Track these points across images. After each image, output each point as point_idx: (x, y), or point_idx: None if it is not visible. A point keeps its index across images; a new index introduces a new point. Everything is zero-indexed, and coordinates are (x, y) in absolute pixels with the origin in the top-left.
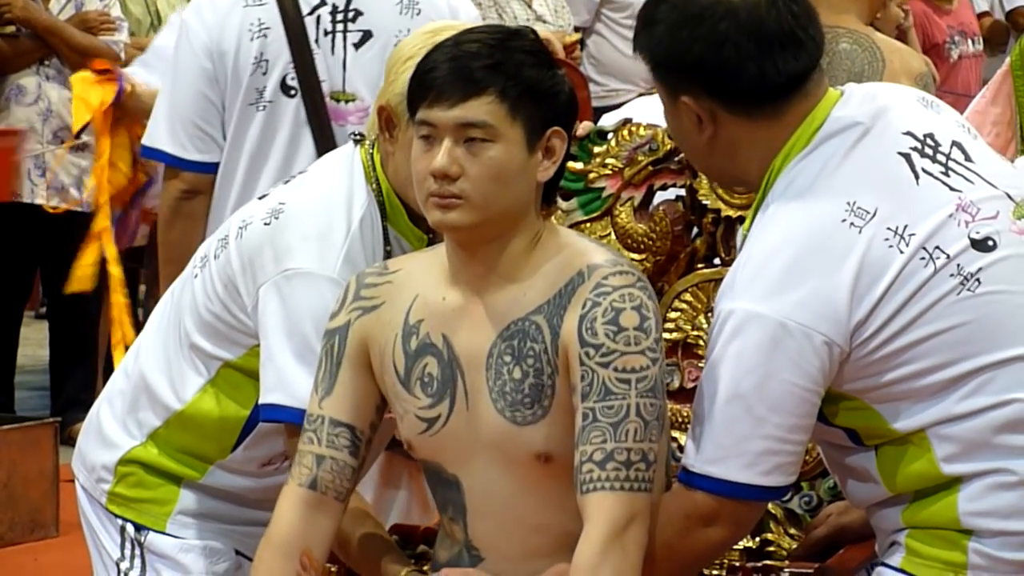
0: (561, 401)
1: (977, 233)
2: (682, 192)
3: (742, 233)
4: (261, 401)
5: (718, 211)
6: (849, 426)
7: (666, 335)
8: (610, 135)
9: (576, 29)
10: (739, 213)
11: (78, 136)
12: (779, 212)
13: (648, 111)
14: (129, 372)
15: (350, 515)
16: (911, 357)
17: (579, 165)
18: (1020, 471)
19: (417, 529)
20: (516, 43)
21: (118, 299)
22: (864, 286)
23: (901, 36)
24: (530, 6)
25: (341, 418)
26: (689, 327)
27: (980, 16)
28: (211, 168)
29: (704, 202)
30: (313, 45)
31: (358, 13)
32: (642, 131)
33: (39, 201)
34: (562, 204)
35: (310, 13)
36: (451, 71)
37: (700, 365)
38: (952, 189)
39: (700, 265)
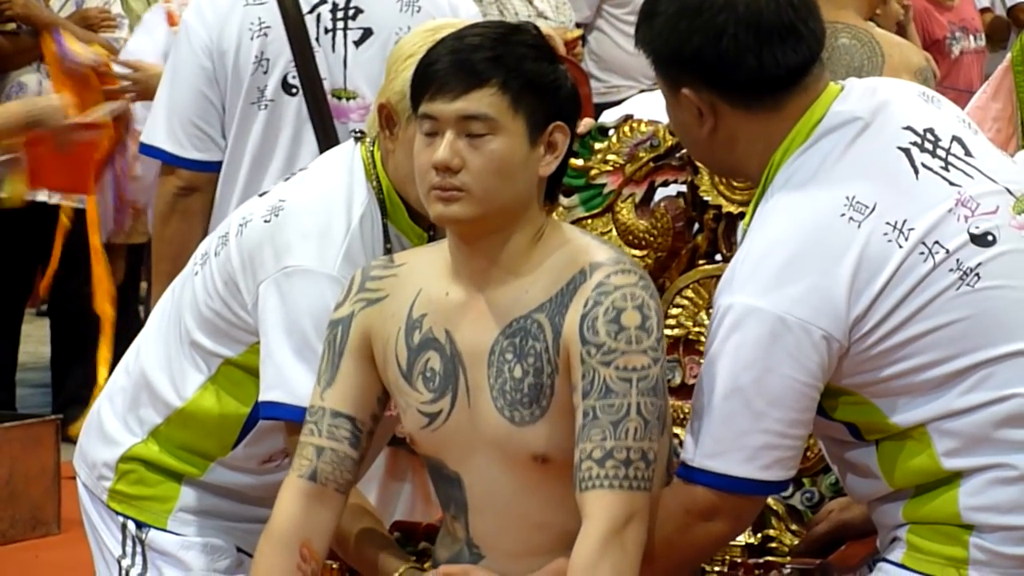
0: (560, 402)
1: (977, 228)
2: (683, 188)
3: (743, 228)
4: (261, 399)
5: (719, 207)
6: (849, 421)
7: (667, 331)
8: (611, 131)
9: (577, 25)
10: (740, 209)
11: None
12: (778, 207)
13: (649, 107)
14: (130, 369)
15: (348, 511)
16: (910, 352)
17: (580, 161)
18: (1020, 466)
19: (419, 526)
20: (518, 37)
21: (105, 308)
22: (863, 281)
23: (900, 31)
24: (531, 2)
25: (342, 409)
26: (690, 323)
27: (981, 12)
28: (209, 166)
29: (705, 198)
30: (314, 43)
31: (358, 11)
32: (643, 127)
33: (41, 198)
34: (563, 200)
35: (310, 11)
36: (453, 64)
37: (701, 361)
38: (952, 184)
39: (701, 261)
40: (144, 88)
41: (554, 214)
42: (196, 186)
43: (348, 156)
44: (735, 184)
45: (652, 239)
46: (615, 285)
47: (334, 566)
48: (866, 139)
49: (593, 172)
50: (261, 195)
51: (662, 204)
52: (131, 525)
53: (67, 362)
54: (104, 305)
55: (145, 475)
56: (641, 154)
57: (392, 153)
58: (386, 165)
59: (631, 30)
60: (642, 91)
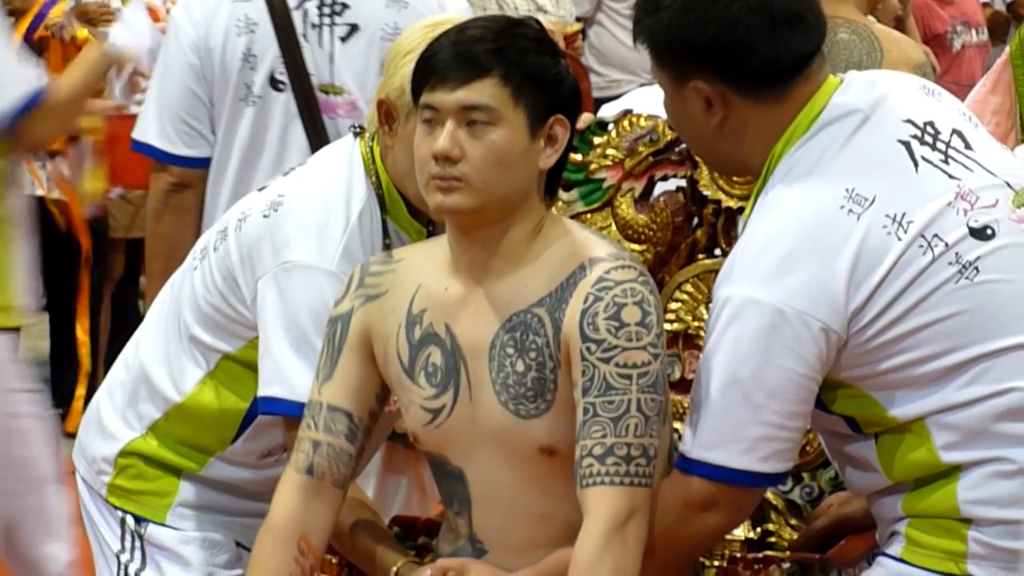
0: (564, 395)
1: (976, 221)
2: (683, 183)
3: (743, 220)
4: (259, 394)
5: (719, 202)
6: (848, 414)
7: (667, 326)
8: (610, 126)
9: (577, 19)
10: (740, 204)
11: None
12: (778, 198)
13: (649, 101)
14: (129, 364)
15: (346, 505)
16: (908, 345)
17: (579, 156)
18: (1019, 459)
19: (418, 521)
20: (520, 31)
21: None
22: (862, 273)
23: (899, 26)
24: None
25: (339, 404)
26: (690, 318)
27: (982, 7)
28: (199, 163)
29: (705, 193)
30: (301, 39)
31: (344, 7)
32: (643, 122)
33: (39, 192)
34: (563, 195)
35: (297, 7)
36: (455, 55)
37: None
38: (951, 177)
39: (701, 256)
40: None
41: (553, 208)
42: (188, 182)
43: (347, 151)
44: (734, 179)
45: (651, 234)
46: (615, 281)
47: (333, 560)
48: (866, 132)
49: (592, 167)
50: (260, 190)
51: (661, 199)
52: (130, 520)
53: (65, 357)
54: (82, 237)
55: (144, 470)
56: (640, 148)
57: (391, 149)
58: (385, 161)
59: (631, 24)
60: (642, 85)
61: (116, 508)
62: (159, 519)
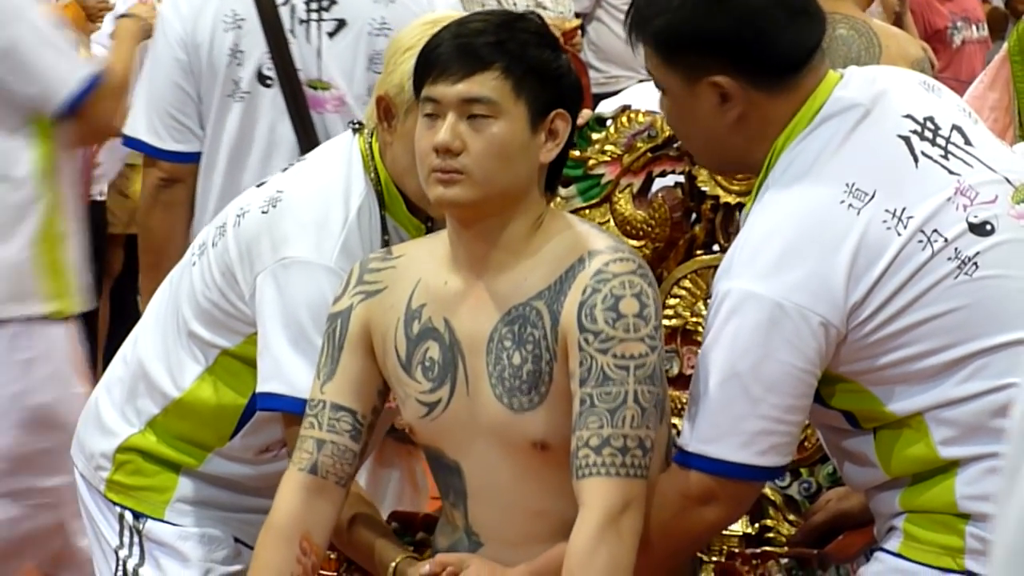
0: (558, 389)
1: (975, 217)
2: (681, 179)
3: (744, 215)
4: (258, 390)
5: (717, 197)
6: (846, 409)
7: (665, 322)
8: (609, 122)
9: (576, 15)
10: (738, 200)
11: None
12: (778, 193)
13: (647, 97)
14: (128, 360)
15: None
16: (907, 340)
17: (578, 152)
18: None
19: (416, 516)
20: (522, 25)
21: None
22: (861, 267)
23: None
24: None
25: (342, 402)
26: (688, 314)
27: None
28: (188, 157)
29: (703, 189)
30: (288, 35)
31: (332, 2)
32: (641, 118)
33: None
34: (561, 191)
35: (284, 3)
36: (456, 48)
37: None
38: (951, 172)
39: (699, 252)
40: None
41: (552, 204)
42: (178, 177)
43: (346, 148)
44: (733, 175)
45: (650, 229)
46: (613, 273)
47: (332, 556)
48: (867, 126)
49: (591, 162)
50: (259, 185)
51: (660, 194)
52: (128, 516)
53: None
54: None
55: (143, 465)
56: (639, 144)
57: (390, 145)
58: (384, 157)
59: None
60: (640, 81)
61: (115, 504)
62: (158, 515)
